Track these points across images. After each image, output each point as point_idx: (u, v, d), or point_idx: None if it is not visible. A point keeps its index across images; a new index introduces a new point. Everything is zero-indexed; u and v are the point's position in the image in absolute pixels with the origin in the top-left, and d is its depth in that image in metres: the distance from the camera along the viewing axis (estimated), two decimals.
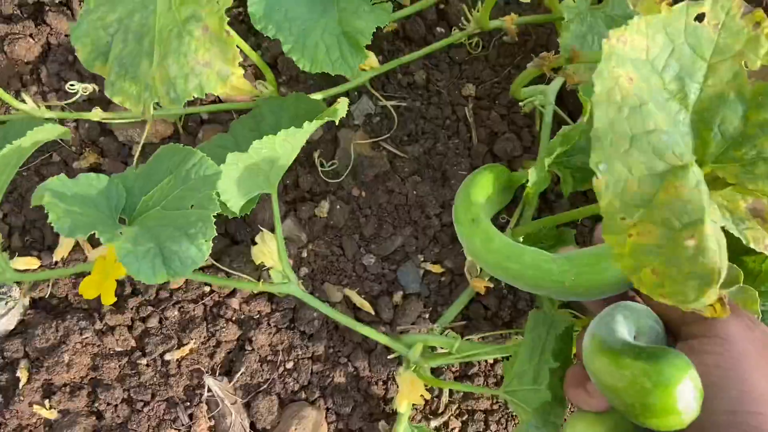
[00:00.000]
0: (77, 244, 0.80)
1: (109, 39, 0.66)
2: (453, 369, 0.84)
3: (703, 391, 0.42)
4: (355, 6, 0.75)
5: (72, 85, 0.77)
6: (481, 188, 0.75)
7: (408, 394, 0.74)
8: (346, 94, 0.89)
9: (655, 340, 0.49)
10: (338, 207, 0.85)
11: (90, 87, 0.78)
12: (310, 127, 0.64)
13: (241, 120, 0.78)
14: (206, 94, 0.62)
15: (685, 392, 0.41)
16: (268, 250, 0.74)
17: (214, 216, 0.58)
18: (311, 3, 0.76)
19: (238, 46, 0.62)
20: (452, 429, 0.82)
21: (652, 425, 0.43)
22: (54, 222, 0.57)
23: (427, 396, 0.75)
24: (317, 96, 0.82)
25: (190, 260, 0.57)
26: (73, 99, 0.79)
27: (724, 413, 0.43)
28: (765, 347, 0.45)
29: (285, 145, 0.65)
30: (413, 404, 0.77)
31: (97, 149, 0.84)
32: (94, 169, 0.84)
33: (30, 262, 0.80)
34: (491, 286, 0.79)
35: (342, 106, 0.68)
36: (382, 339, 0.77)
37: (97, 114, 0.78)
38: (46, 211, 0.58)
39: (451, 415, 0.82)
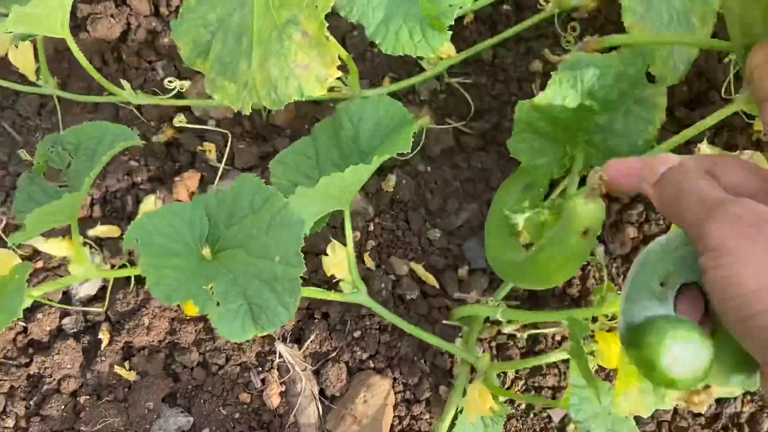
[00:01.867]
0: None
1: (210, 38, 0.68)
2: (519, 345, 0.83)
3: (703, 338, 0.44)
4: None
5: (170, 81, 0.80)
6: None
7: (477, 406, 0.72)
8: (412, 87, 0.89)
9: (690, 267, 0.47)
10: (404, 181, 0.86)
11: (186, 83, 0.80)
12: (377, 162, 0.63)
13: (323, 125, 0.75)
14: None
15: (671, 362, 0.43)
16: (338, 261, 0.72)
17: (301, 276, 0.58)
18: None
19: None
20: (518, 405, 0.82)
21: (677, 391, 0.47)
22: (151, 288, 0.58)
23: (497, 409, 0.72)
24: (396, 86, 0.84)
25: (277, 319, 0.58)
26: (170, 95, 0.81)
27: (738, 326, 0.42)
28: None
29: (354, 177, 0.64)
30: None
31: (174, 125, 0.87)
32: (171, 143, 0.87)
33: (111, 231, 0.83)
34: None
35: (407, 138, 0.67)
36: (432, 340, 0.76)
37: (194, 102, 0.82)
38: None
39: (518, 390, 0.82)
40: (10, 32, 0.79)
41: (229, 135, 0.85)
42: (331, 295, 0.73)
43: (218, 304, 0.57)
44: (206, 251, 0.65)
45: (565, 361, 0.82)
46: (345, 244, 0.74)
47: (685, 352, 0.44)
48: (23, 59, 0.84)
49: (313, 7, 0.62)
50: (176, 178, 0.84)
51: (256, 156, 0.85)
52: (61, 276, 0.82)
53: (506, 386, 0.82)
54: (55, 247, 0.72)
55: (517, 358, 0.84)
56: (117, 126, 0.69)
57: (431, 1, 0.70)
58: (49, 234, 0.73)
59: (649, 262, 0.48)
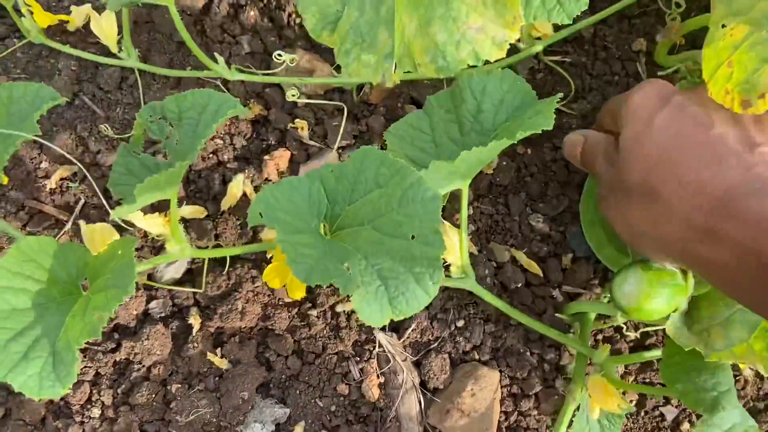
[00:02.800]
0: (245, 194, 0.78)
1: (340, 7, 0.63)
2: (628, 339, 0.78)
3: (651, 277, 0.61)
4: None
5: (279, 54, 0.75)
6: None
7: (602, 400, 0.67)
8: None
9: None
10: (504, 163, 0.81)
11: (296, 56, 0.76)
12: (519, 137, 0.59)
13: (439, 97, 0.71)
14: None
15: (626, 295, 0.62)
16: (450, 243, 0.67)
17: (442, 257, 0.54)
18: None
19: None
20: (630, 400, 0.77)
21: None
22: (291, 266, 0.53)
23: (625, 405, 0.68)
24: (493, 66, 0.79)
25: (416, 302, 0.53)
26: (279, 68, 0.77)
27: (637, 188, 0.58)
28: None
29: (492, 153, 0.61)
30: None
31: (262, 101, 0.83)
32: (258, 121, 0.83)
33: (197, 211, 0.79)
34: None
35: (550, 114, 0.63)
36: (547, 332, 0.73)
37: (316, 80, 0.79)
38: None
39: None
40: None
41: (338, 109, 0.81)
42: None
43: (359, 286, 0.52)
44: (325, 228, 0.60)
45: None
46: (457, 226, 0.69)
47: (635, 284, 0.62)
48: (107, 29, 0.80)
49: None
50: (265, 157, 0.80)
51: (350, 134, 0.81)
52: (145, 258, 0.77)
53: None
54: (154, 223, 0.68)
55: (625, 352, 0.79)
56: (222, 94, 0.65)
57: None
58: (143, 210, 0.69)
59: None
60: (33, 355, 0.54)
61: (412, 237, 0.55)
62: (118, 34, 0.81)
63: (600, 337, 0.79)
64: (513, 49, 0.81)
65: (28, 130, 0.60)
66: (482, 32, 0.56)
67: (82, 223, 0.70)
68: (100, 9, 0.80)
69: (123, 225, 0.73)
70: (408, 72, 0.62)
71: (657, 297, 0.60)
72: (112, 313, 0.57)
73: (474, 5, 0.55)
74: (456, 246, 0.68)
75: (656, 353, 0.72)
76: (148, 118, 0.66)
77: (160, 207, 0.71)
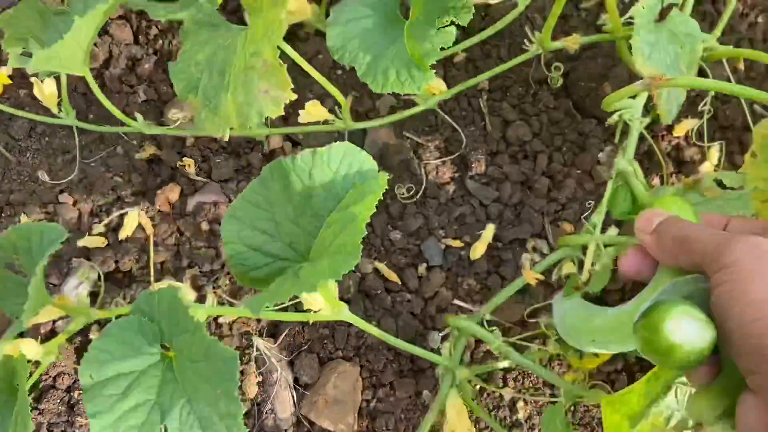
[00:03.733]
0: (140, 224, 0.91)
1: (199, 75, 0.77)
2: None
3: (709, 320, 0.48)
4: (422, 32, 0.81)
5: (175, 113, 0.90)
6: None
7: (457, 424, 0.73)
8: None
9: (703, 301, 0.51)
10: None
11: (188, 115, 0.91)
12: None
13: (273, 170, 0.71)
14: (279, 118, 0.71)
15: (674, 328, 0.47)
16: (315, 301, 0.69)
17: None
18: (383, 34, 0.85)
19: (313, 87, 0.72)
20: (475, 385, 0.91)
21: (672, 366, 0.49)
22: None
23: None
24: (390, 119, 0.93)
25: None
26: (174, 126, 0.91)
27: (736, 331, 0.45)
28: None
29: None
30: None
31: (155, 142, 0.96)
32: (152, 160, 0.95)
33: (97, 242, 0.91)
34: (542, 278, 0.86)
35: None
36: (415, 351, 0.80)
37: (191, 131, 0.93)
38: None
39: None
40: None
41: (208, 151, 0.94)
42: (313, 317, 0.73)
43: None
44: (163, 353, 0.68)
45: None
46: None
47: (689, 323, 0.47)
48: (48, 94, 0.88)
49: (268, 37, 0.70)
50: (158, 192, 0.92)
51: (232, 169, 0.94)
52: None
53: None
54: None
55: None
56: (46, 225, 0.70)
57: (415, 45, 0.79)
58: None
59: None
60: None
61: (220, 392, 0.62)
62: (58, 97, 0.91)
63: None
64: (413, 104, 0.95)
65: None
66: (267, 94, 0.69)
67: None
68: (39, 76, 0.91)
69: None
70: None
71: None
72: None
73: (262, 73, 0.69)
74: (322, 300, 0.70)
75: (505, 363, 0.84)
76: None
77: None
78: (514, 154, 0.99)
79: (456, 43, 0.84)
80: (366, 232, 0.58)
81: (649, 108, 0.89)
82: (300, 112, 0.84)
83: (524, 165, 0.97)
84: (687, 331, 0.47)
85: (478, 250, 0.93)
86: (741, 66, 1.00)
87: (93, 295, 0.89)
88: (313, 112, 0.86)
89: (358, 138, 0.99)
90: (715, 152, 0.97)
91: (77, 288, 0.89)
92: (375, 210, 0.61)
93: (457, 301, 0.91)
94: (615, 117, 0.85)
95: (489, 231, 0.94)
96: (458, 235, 0.95)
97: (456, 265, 0.94)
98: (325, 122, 0.89)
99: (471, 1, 0.79)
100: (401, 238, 0.95)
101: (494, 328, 0.82)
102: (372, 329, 0.76)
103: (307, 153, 0.68)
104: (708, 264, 0.50)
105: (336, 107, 0.89)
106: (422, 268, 0.94)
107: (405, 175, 0.97)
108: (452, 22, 0.78)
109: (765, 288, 0.44)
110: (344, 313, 0.71)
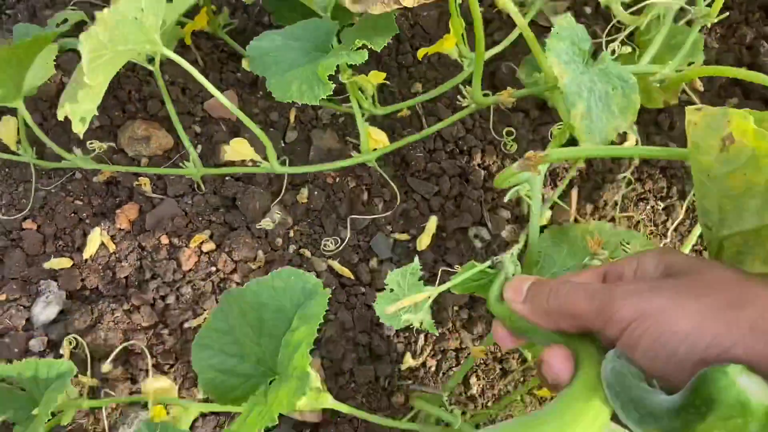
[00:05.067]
0: (102, 243, 0.96)
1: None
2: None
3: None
4: (339, 54, 0.83)
5: (91, 143, 0.94)
6: None
7: None
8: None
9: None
10: (316, 193, 1.02)
11: (104, 145, 0.96)
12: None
13: (230, 297, 0.74)
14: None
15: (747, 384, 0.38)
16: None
17: None
18: (304, 53, 0.89)
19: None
20: (429, 367, 0.98)
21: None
22: None
23: None
24: (333, 166, 0.97)
25: None
26: (95, 153, 0.96)
27: (663, 376, 0.43)
28: (680, 291, 0.44)
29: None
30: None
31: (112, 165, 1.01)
32: (110, 182, 1.01)
33: (63, 263, 0.96)
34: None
35: None
36: (383, 422, 0.81)
37: (140, 169, 0.98)
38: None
39: (427, 356, 0.98)
40: None
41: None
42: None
43: None
44: None
45: None
46: None
47: (753, 379, 0.38)
48: (7, 132, 0.94)
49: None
50: (117, 211, 0.98)
51: (186, 185, 1.00)
52: None
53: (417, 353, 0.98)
54: None
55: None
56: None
57: (327, 62, 0.81)
58: None
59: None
60: None
61: None
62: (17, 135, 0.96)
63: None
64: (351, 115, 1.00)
65: None
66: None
67: None
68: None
69: None
70: None
71: None
72: None
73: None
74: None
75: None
76: None
77: None
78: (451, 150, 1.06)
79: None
80: (311, 358, 0.63)
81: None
82: (225, 148, 0.89)
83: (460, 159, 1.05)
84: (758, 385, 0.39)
85: (424, 241, 1.01)
86: (699, 86, 0.96)
87: (62, 313, 0.94)
88: (237, 149, 0.91)
89: (303, 144, 1.06)
90: None
91: (46, 308, 0.93)
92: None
93: None
94: (512, 192, 0.72)
95: (432, 222, 1.01)
96: (405, 229, 1.02)
97: (405, 256, 1.01)
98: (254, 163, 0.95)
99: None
100: (352, 236, 1.01)
101: (454, 407, 0.84)
102: (346, 408, 0.75)
103: (253, 283, 0.71)
104: (602, 329, 0.46)
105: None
106: (374, 262, 1.01)
107: (350, 177, 1.04)
108: (364, 45, 0.82)
109: (686, 318, 0.42)
110: (329, 402, 0.70)
